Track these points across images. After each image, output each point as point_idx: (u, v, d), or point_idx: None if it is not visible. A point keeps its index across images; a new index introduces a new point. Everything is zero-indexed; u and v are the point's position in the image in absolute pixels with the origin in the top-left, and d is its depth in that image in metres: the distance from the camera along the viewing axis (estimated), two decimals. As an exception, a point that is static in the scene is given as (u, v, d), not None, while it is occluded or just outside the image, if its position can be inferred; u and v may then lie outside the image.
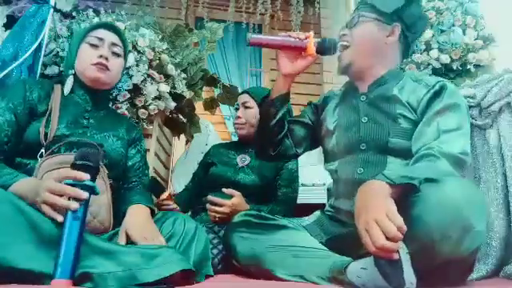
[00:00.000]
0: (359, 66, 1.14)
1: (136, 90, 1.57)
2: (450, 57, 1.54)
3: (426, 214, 0.77)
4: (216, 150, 1.71)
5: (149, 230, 1.00)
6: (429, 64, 1.57)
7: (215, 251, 1.27)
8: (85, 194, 0.83)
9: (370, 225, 0.73)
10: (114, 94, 1.52)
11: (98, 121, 1.17)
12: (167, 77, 1.67)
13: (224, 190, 1.42)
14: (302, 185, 2.37)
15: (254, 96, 1.65)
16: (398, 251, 0.72)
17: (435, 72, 1.59)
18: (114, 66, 1.18)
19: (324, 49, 1.09)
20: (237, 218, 1.14)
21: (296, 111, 1.48)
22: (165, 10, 3.24)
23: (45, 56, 1.51)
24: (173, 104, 1.71)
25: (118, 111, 1.49)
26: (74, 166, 0.86)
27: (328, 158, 1.20)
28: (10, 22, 1.55)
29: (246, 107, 1.64)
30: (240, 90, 1.93)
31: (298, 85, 3.71)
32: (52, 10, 1.53)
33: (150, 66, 1.61)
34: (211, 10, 3.49)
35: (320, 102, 1.29)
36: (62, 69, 1.54)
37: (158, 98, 1.64)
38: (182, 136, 2.09)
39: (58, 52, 1.55)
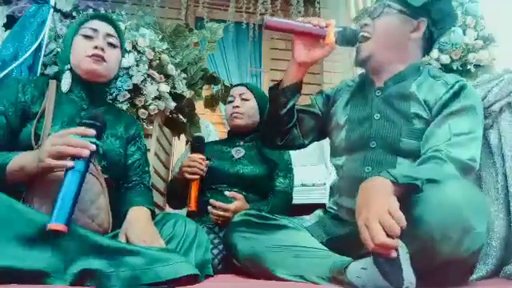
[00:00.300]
0: (378, 60, 1.09)
1: (136, 90, 1.57)
2: (450, 57, 1.54)
3: (427, 214, 0.77)
4: (208, 148, 1.67)
5: (148, 233, 0.99)
6: (429, 64, 1.57)
7: (215, 251, 1.27)
8: (91, 146, 0.85)
9: (370, 221, 0.72)
10: (114, 94, 1.52)
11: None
12: (167, 77, 1.67)
13: (227, 193, 1.42)
14: (302, 185, 2.38)
15: (251, 89, 1.66)
16: (396, 249, 0.71)
17: (435, 72, 1.59)
18: (110, 58, 1.14)
19: (344, 39, 1.02)
20: (237, 218, 1.14)
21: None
22: (165, 10, 3.24)
23: (45, 56, 1.51)
24: (173, 104, 1.71)
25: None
26: (79, 125, 0.89)
27: (335, 152, 1.17)
28: (10, 21, 1.55)
29: (243, 99, 1.64)
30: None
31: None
32: (52, 9, 1.53)
33: (150, 66, 1.61)
34: (211, 10, 3.49)
35: (333, 94, 1.24)
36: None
37: (158, 98, 1.64)
38: (182, 136, 2.09)
39: (57, 52, 1.55)
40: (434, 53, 1.55)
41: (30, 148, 0.98)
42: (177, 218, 1.09)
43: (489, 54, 1.55)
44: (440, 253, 0.78)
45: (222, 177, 1.49)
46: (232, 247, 1.11)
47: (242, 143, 1.62)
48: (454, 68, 1.55)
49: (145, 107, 1.60)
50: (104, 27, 1.16)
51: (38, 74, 1.46)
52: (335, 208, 1.14)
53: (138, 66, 1.56)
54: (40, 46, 1.46)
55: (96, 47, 1.11)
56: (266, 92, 1.25)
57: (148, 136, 1.67)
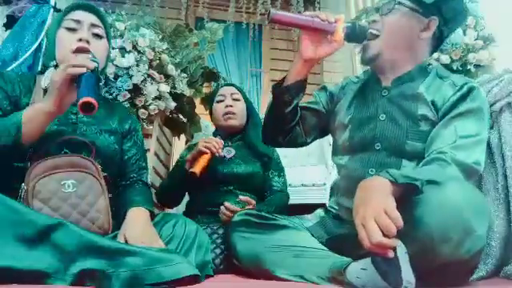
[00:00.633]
0: (386, 59, 1.06)
1: (136, 90, 1.57)
2: (450, 57, 1.54)
3: (427, 215, 0.77)
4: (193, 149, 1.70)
5: (147, 235, 0.98)
6: (429, 64, 1.57)
7: (218, 251, 1.28)
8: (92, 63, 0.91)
9: (366, 220, 0.72)
10: (114, 94, 1.52)
11: (88, 115, 1.07)
12: (167, 77, 1.67)
13: (241, 197, 1.43)
14: (302, 185, 2.37)
15: (239, 90, 1.69)
16: (394, 249, 0.71)
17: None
18: (96, 49, 1.07)
19: (353, 35, 0.99)
20: (237, 217, 1.14)
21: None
22: (165, 10, 3.24)
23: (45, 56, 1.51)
24: (173, 104, 1.71)
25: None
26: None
27: (338, 151, 1.16)
28: (10, 21, 1.56)
29: (234, 99, 1.65)
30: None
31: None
32: (52, 10, 1.53)
33: (150, 66, 1.61)
34: (211, 10, 3.49)
35: (337, 92, 1.22)
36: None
37: (158, 98, 1.64)
38: (182, 136, 2.09)
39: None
40: (434, 53, 1.55)
41: (14, 155, 0.95)
42: (177, 218, 1.09)
43: (489, 53, 1.55)
44: (440, 254, 0.78)
45: (217, 177, 1.50)
46: (232, 247, 1.11)
47: (230, 143, 1.63)
48: (454, 68, 1.55)
49: (145, 107, 1.60)
50: (88, 17, 1.10)
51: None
52: (336, 208, 1.14)
53: (138, 65, 1.56)
54: (40, 46, 1.46)
55: (80, 40, 1.06)
56: (269, 92, 1.23)
57: (148, 136, 1.66)
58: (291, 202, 1.63)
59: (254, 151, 1.61)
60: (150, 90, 1.58)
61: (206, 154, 1.41)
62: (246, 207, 1.37)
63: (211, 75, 2.00)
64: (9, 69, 1.38)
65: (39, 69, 1.45)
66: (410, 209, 0.79)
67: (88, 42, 1.07)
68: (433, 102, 1.00)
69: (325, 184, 2.32)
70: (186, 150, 1.68)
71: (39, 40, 1.46)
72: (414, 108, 1.01)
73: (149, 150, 1.63)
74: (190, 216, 1.33)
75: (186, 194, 1.64)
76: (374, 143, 1.04)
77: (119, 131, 1.17)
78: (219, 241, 1.31)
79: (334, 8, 3.48)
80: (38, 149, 0.97)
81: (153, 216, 1.10)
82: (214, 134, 1.71)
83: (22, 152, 0.95)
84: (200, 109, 2.12)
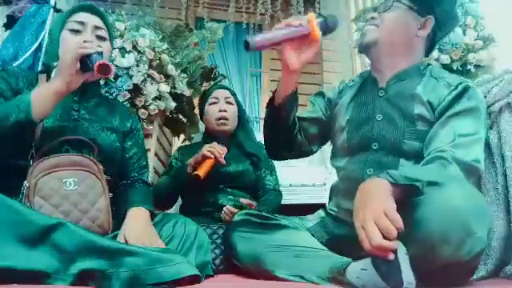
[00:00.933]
0: (383, 50, 1.07)
1: (136, 90, 1.57)
2: (450, 57, 1.54)
3: (428, 216, 0.77)
4: (185, 151, 1.69)
5: (147, 235, 0.98)
6: (429, 64, 1.57)
7: (218, 251, 1.28)
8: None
9: (366, 222, 0.72)
10: (114, 94, 1.52)
11: (90, 112, 1.11)
12: (167, 77, 1.67)
13: (242, 200, 1.44)
14: (303, 185, 2.37)
15: (232, 93, 1.70)
16: (395, 250, 0.71)
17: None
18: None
19: (327, 28, 0.98)
20: (237, 217, 1.14)
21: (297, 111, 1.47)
22: (165, 10, 3.24)
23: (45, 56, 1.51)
24: (173, 104, 1.71)
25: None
26: None
27: (337, 153, 1.16)
28: (10, 21, 1.56)
29: (228, 103, 1.66)
30: (239, 91, 1.93)
31: (298, 85, 3.70)
32: (52, 10, 1.53)
33: (150, 66, 1.61)
34: (211, 10, 3.49)
35: (334, 97, 1.22)
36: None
37: (158, 98, 1.64)
38: (182, 136, 2.09)
39: (58, 52, 1.55)
40: (434, 53, 1.55)
41: (24, 138, 0.96)
42: (177, 218, 1.09)
43: (489, 54, 1.55)
44: (440, 255, 0.77)
45: (209, 177, 1.47)
46: (232, 247, 1.11)
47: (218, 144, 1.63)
48: (454, 68, 1.55)
49: (145, 107, 1.60)
50: (91, 19, 1.11)
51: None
52: (336, 210, 1.14)
53: (138, 66, 1.56)
54: (40, 46, 1.47)
55: (84, 42, 1.05)
56: (269, 92, 1.23)
57: (148, 136, 1.66)
58: (292, 201, 1.64)
59: (242, 151, 1.63)
60: (150, 89, 1.58)
61: (211, 158, 1.42)
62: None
63: (210, 73, 2.00)
64: (9, 69, 1.37)
65: (39, 68, 1.45)
66: (410, 210, 0.79)
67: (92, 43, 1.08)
68: (429, 102, 1.00)
69: (325, 184, 2.32)
70: (177, 152, 1.70)
71: (39, 40, 1.46)
72: (411, 107, 1.01)
73: (149, 149, 1.63)
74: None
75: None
76: (371, 143, 1.04)
77: (121, 129, 1.17)
78: (219, 241, 1.31)
79: (333, 8, 3.48)
80: (40, 146, 0.98)
81: (153, 216, 1.10)
82: (204, 136, 1.73)
83: (32, 131, 0.96)
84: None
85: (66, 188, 0.95)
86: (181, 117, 1.93)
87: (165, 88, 1.63)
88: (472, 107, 0.96)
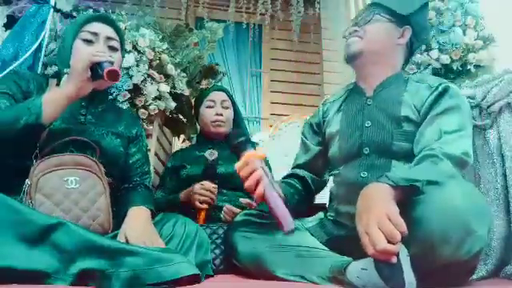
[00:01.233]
0: (368, 59, 1.13)
1: (136, 90, 1.57)
2: (450, 57, 1.54)
3: (427, 216, 0.77)
4: (179, 155, 1.70)
5: (147, 234, 0.99)
6: (429, 64, 1.57)
7: (218, 251, 1.28)
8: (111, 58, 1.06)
9: (370, 227, 0.72)
10: (114, 94, 1.52)
11: (96, 117, 1.13)
12: (167, 77, 1.67)
13: (242, 200, 1.42)
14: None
15: (229, 96, 1.71)
16: (397, 254, 0.71)
17: (435, 72, 1.59)
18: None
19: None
20: (238, 217, 1.14)
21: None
22: (165, 10, 3.24)
23: (45, 56, 1.51)
24: (173, 104, 1.71)
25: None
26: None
27: (331, 163, 1.20)
28: (10, 21, 1.55)
29: (224, 107, 1.67)
30: (239, 91, 1.92)
31: (298, 85, 3.71)
32: (52, 10, 1.53)
33: (150, 66, 1.61)
34: (211, 10, 3.49)
35: (321, 119, 1.27)
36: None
37: (158, 98, 1.63)
38: (182, 136, 2.09)
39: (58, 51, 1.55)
40: (434, 53, 1.55)
41: (31, 142, 0.98)
42: (177, 218, 1.09)
43: (489, 54, 1.54)
44: (440, 255, 0.78)
45: (202, 179, 1.49)
46: (232, 247, 1.11)
47: (212, 144, 1.64)
48: (454, 68, 1.55)
49: (145, 107, 1.60)
50: (104, 30, 1.14)
51: (38, 74, 1.46)
52: (333, 215, 1.15)
53: (138, 66, 1.56)
54: (40, 46, 1.46)
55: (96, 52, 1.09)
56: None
57: (148, 136, 1.66)
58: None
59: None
60: (150, 90, 1.58)
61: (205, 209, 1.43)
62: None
63: (210, 71, 1.99)
64: (9, 69, 1.37)
65: (39, 69, 1.45)
66: (410, 210, 0.79)
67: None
68: (413, 105, 1.05)
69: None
70: (172, 159, 1.69)
71: (39, 40, 1.45)
72: (397, 111, 1.05)
73: (149, 149, 1.63)
74: None
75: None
76: (362, 148, 1.08)
77: (126, 135, 1.19)
78: (219, 241, 1.31)
79: (334, 8, 3.48)
80: (45, 147, 0.99)
81: (153, 216, 1.11)
82: (199, 137, 1.74)
83: (40, 134, 0.98)
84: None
85: (68, 186, 0.96)
86: (181, 117, 1.93)
87: (165, 88, 1.63)
88: (454, 105, 1.00)
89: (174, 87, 1.71)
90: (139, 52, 1.58)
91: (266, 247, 1.03)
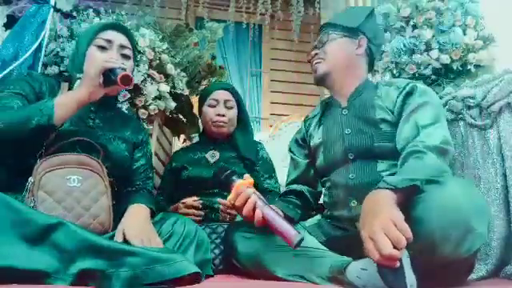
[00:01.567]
0: (335, 77, 1.20)
1: (136, 90, 1.57)
2: (451, 57, 1.54)
3: (427, 215, 0.78)
4: (180, 155, 1.66)
5: (145, 232, 0.99)
6: (429, 64, 1.57)
7: (217, 251, 1.28)
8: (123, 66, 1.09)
9: (376, 233, 0.73)
10: (114, 94, 1.52)
11: (104, 122, 1.16)
12: (167, 77, 1.67)
13: (219, 200, 1.42)
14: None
15: (234, 94, 1.64)
16: (400, 259, 0.72)
17: (435, 72, 1.59)
18: None
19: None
20: (239, 218, 1.14)
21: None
22: (165, 10, 3.24)
23: (45, 56, 1.51)
24: (173, 104, 1.70)
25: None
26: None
27: (321, 174, 1.22)
28: (10, 21, 1.55)
29: (228, 107, 1.61)
30: (239, 91, 1.88)
31: (298, 85, 3.71)
32: (52, 9, 1.53)
33: (150, 66, 1.61)
34: (211, 10, 3.49)
35: (304, 133, 1.32)
36: (62, 69, 1.54)
37: (158, 97, 1.63)
38: (182, 136, 2.09)
39: (58, 52, 1.55)
40: (434, 53, 1.55)
41: (40, 143, 0.99)
42: (176, 217, 1.10)
43: (489, 54, 1.55)
44: (440, 253, 0.78)
45: (202, 183, 1.47)
46: (232, 247, 1.11)
47: (214, 145, 1.61)
48: (454, 68, 1.55)
49: (145, 107, 1.60)
50: (118, 38, 1.17)
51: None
52: (329, 220, 1.16)
53: (138, 65, 1.56)
54: (40, 45, 1.46)
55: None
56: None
57: (149, 136, 1.66)
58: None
59: (237, 154, 1.59)
60: (150, 89, 1.58)
61: None
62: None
63: (208, 68, 1.97)
64: (9, 69, 1.37)
65: (39, 69, 1.45)
66: (409, 209, 0.79)
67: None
68: (386, 107, 1.10)
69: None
70: (174, 161, 1.65)
71: (39, 40, 1.45)
72: (372, 114, 1.11)
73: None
74: None
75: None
76: (347, 154, 1.11)
77: (132, 141, 1.21)
78: (218, 241, 1.31)
79: (334, 8, 3.48)
80: (51, 147, 1.00)
81: (153, 215, 1.11)
82: (201, 136, 1.71)
83: (50, 135, 1.00)
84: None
85: (70, 184, 0.97)
86: (181, 117, 1.93)
87: (165, 88, 1.63)
88: (424, 101, 1.04)
89: (173, 87, 1.71)
90: (139, 52, 1.58)
91: (266, 247, 1.04)
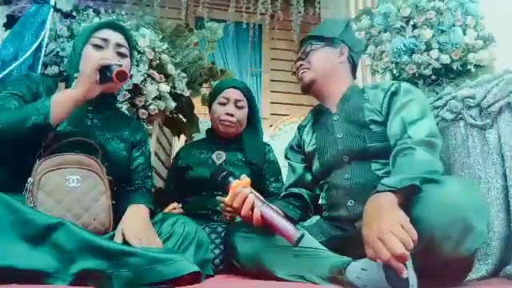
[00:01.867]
0: (320, 84, 1.24)
1: (136, 90, 1.57)
2: (450, 57, 1.54)
3: (427, 213, 0.78)
4: (186, 152, 1.63)
5: (144, 232, 0.99)
6: (429, 64, 1.57)
7: (217, 251, 1.27)
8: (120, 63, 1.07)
9: (385, 233, 0.73)
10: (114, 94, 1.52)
11: (103, 122, 1.16)
12: (167, 77, 1.67)
13: (218, 198, 1.41)
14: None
15: (245, 93, 1.59)
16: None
17: (435, 72, 1.59)
18: None
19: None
20: (239, 218, 1.14)
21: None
22: (165, 10, 3.24)
23: (45, 56, 1.51)
24: (173, 104, 1.70)
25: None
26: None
27: (318, 179, 1.23)
28: (10, 21, 1.55)
29: (238, 107, 1.56)
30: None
31: (298, 85, 3.70)
32: (52, 9, 1.53)
33: (150, 66, 1.61)
34: (211, 10, 3.49)
35: (298, 139, 1.34)
36: (62, 68, 1.54)
37: (158, 97, 1.63)
38: (182, 136, 2.09)
39: (58, 52, 1.55)
40: (434, 53, 1.55)
41: (37, 144, 0.99)
42: (176, 217, 1.10)
43: (489, 54, 1.55)
44: (441, 252, 0.79)
45: (206, 185, 1.42)
46: (232, 247, 1.11)
47: (221, 145, 1.58)
48: (454, 68, 1.55)
49: (145, 107, 1.60)
50: (114, 37, 1.16)
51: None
52: (327, 221, 1.17)
53: (138, 65, 1.56)
54: (40, 45, 1.46)
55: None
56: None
57: (148, 136, 1.66)
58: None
59: (244, 156, 1.55)
60: (150, 89, 1.58)
61: None
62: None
63: (209, 71, 1.97)
64: (9, 69, 1.37)
65: (39, 69, 1.45)
66: (409, 208, 0.80)
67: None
68: (375, 108, 1.14)
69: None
70: (179, 158, 1.62)
71: (39, 40, 1.45)
72: (362, 117, 1.14)
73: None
74: None
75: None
76: (342, 157, 1.14)
77: (130, 140, 1.21)
78: (218, 241, 1.30)
79: (333, 8, 3.48)
80: (50, 147, 1.00)
81: (152, 215, 1.11)
82: (208, 132, 1.68)
83: (47, 134, 0.99)
84: (201, 109, 2.12)
85: (69, 185, 0.97)
86: (181, 117, 1.93)
87: (165, 88, 1.63)
88: (409, 99, 1.08)
89: (174, 87, 1.71)
90: (139, 52, 1.58)
91: (266, 247, 1.04)
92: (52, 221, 0.83)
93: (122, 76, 1.01)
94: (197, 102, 2.03)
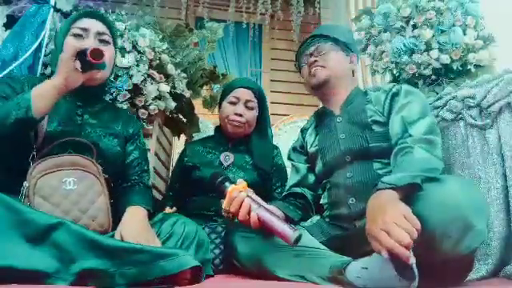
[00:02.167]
0: (333, 84, 1.24)
1: (136, 90, 1.57)
2: (450, 57, 1.54)
3: (428, 212, 0.79)
4: (193, 150, 1.59)
5: (143, 234, 0.98)
6: (429, 64, 1.57)
7: (217, 251, 1.27)
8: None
9: (390, 225, 0.74)
10: (114, 94, 1.52)
11: (93, 117, 1.13)
12: (167, 77, 1.67)
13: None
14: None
15: (256, 93, 1.56)
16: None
17: (435, 72, 1.59)
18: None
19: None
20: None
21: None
22: (165, 10, 3.24)
23: (45, 56, 1.51)
24: (173, 104, 1.70)
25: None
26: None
27: (321, 179, 1.23)
28: (10, 21, 1.55)
29: (248, 107, 1.53)
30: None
31: (299, 85, 3.71)
32: (52, 9, 1.53)
33: (150, 66, 1.61)
34: (211, 10, 3.49)
35: (302, 141, 1.36)
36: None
37: (158, 97, 1.63)
38: (182, 136, 2.09)
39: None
40: (434, 53, 1.55)
41: (28, 145, 0.98)
42: (176, 218, 1.09)
43: (489, 54, 1.55)
44: (440, 251, 0.79)
45: (212, 186, 1.42)
46: (232, 247, 1.11)
47: (229, 146, 1.56)
48: (454, 68, 1.55)
49: (145, 107, 1.60)
50: (94, 25, 1.13)
51: (38, 74, 1.46)
52: (328, 220, 1.17)
53: (138, 66, 1.56)
54: (40, 45, 1.46)
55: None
56: (269, 92, 1.27)
57: (148, 136, 1.66)
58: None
59: (253, 159, 1.53)
60: (150, 89, 1.58)
61: None
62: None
63: (210, 74, 1.98)
64: (9, 69, 1.37)
65: (39, 69, 1.45)
66: (410, 206, 0.80)
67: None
68: (377, 109, 1.17)
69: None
70: (184, 157, 1.60)
71: (39, 40, 1.46)
72: (365, 118, 1.16)
73: (149, 149, 1.63)
74: None
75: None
76: (344, 157, 1.15)
77: (123, 135, 1.19)
78: (218, 241, 1.30)
79: (334, 8, 3.48)
80: (42, 149, 0.99)
81: (151, 215, 1.11)
82: (216, 130, 1.65)
83: (34, 129, 0.98)
84: (199, 109, 2.12)
85: (66, 187, 0.96)
86: (181, 117, 1.93)
87: (165, 88, 1.63)
88: (409, 100, 1.11)
89: (174, 87, 1.70)
90: (139, 52, 1.58)
91: (266, 247, 1.04)
92: (52, 220, 0.83)
93: (98, 54, 0.97)
94: (197, 102, 2.03)
